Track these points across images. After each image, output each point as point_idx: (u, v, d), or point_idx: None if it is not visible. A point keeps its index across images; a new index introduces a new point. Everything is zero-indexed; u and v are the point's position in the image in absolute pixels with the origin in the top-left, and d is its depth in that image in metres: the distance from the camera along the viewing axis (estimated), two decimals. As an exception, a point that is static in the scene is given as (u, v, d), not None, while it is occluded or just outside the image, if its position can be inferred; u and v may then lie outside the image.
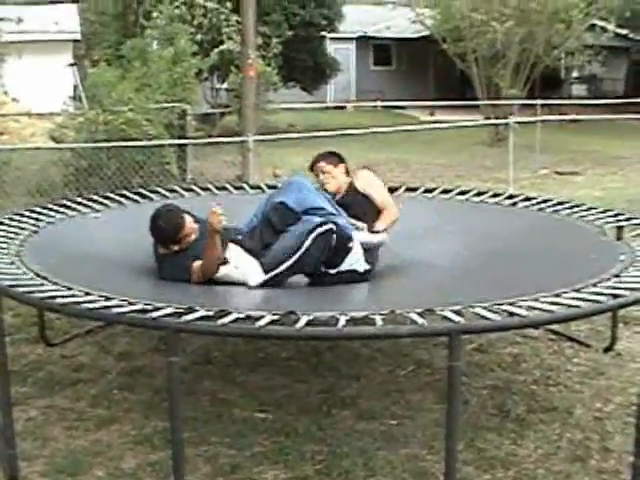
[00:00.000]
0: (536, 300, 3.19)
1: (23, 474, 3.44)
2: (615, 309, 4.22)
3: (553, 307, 3.11)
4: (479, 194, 5.57)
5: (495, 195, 5.54)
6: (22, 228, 4.49)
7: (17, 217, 4.67)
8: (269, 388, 4.31)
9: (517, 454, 3.60)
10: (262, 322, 2.94)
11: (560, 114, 17.34)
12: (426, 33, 21.34)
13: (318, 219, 4.11)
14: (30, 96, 14.09)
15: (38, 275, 3.62)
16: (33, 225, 4.59)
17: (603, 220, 4.73)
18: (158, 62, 10.40)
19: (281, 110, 17.18)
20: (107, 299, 3.22)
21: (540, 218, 5.01)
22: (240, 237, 4.24)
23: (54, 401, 4.15)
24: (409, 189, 5.74)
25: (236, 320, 2.98)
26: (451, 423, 2.91)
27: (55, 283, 3.48)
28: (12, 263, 3.83)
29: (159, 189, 5.69)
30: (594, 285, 3.43)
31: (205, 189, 5.72)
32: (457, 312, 3.02)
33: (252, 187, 5.91)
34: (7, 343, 3.59)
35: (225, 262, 4.05)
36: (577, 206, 5.09)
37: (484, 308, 3.07)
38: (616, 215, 4.80)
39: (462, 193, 5.61)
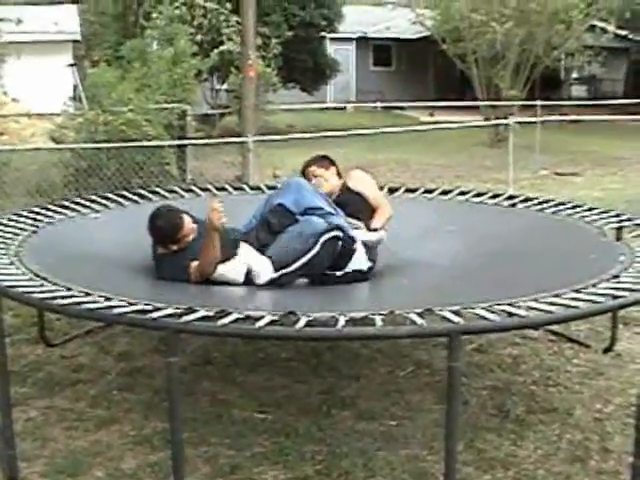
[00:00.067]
0: (536, 300, 3.19)
1: (23, 474, 3.43)
2: (615, 310, 4.22)
3: (553, 307, 3.11)
4: (479, 195, 5.57)
5: (495, 196, 5.54)
6: (22, 228, 4.49)
7: (17, 217, 4.67)
8: (269, 388, 4.31)
9: (517, 455, 3.60)
10: (262, 322, 2.94)
11: (560, 115, 17.32)
12: (426, 34, 21.35)
13: (318, 219, 4.12)
14: (30, 97, 14.05)
15: (38, 275, 3.62)
16: (33, 225, 4.59)
17: (603, 221, 4.72)
18: (158, 63, 10.40)
19: (281, 111, 17.19)
20: (107, 299, 3.21)
21: (540, 219, 5.01)
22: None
23: (54, 401, 4.15)
24: (409, 190, 5.74)
25: (236, 320, 2.98)
26: (451, 423, 2.91)
27: (55, 283, 3.47)
28: (12, 263, 3.83)
29: (159, 190, 5.68)
30: (594, 286, 3.43)
31: (205, 190, 5.72)
32: (457, 312, 3.02)
33: (252, 188, 5.91)
34: (7, 344, 3.58)
35: (226, 260, 4.04)
36: (577, 207, 5.08)
37: (484, 309, 3.07)
38: (616, 216, 4.80)
39: (462, 194, 5.61)
